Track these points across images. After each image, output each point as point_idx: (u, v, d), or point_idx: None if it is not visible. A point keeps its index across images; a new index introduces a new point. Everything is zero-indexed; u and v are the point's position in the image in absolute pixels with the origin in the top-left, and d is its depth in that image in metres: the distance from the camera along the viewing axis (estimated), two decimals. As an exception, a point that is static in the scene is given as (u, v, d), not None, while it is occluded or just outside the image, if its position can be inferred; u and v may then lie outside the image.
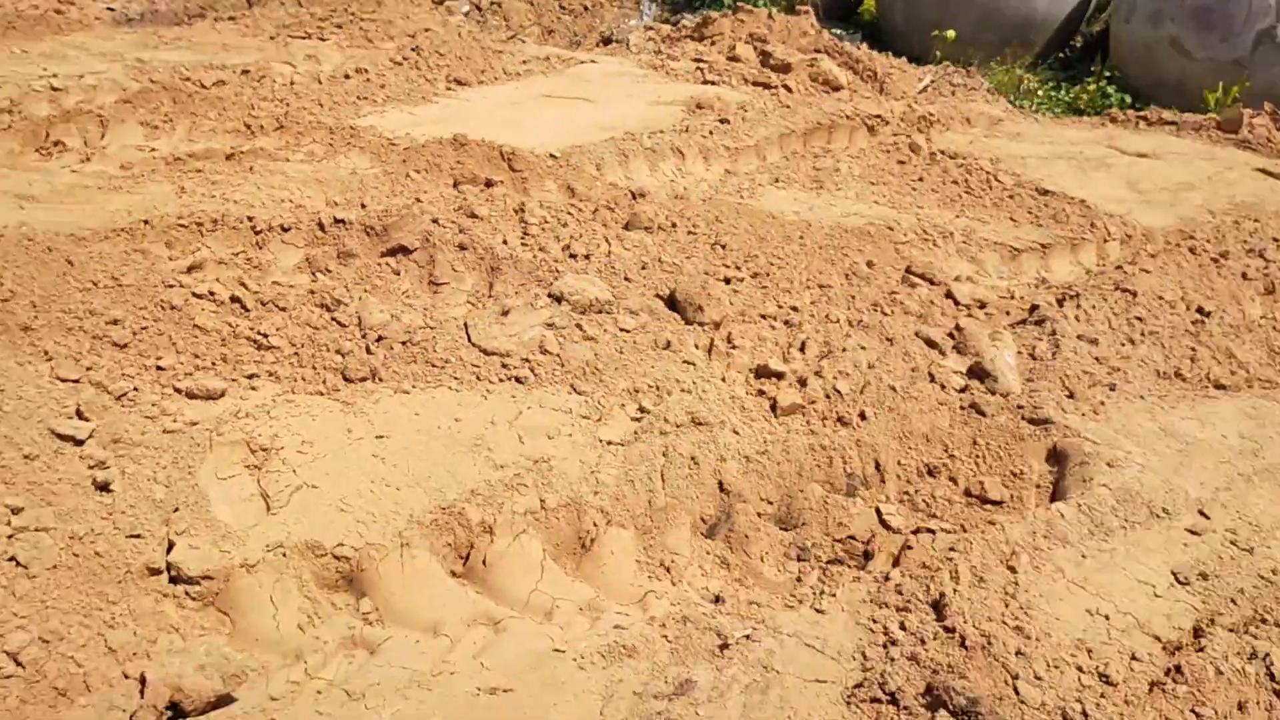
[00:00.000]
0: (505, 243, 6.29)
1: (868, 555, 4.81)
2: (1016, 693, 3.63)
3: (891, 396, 5.29)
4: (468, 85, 9.68)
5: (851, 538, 4.81)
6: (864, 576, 4.42)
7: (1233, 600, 4.27)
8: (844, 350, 5.52)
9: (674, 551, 4.59)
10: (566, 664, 3.68)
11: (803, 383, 5.31)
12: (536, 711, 3.46)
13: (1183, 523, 4.74)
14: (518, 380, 5.17)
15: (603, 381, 5.21)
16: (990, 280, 7.53)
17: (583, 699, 3.52)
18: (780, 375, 5.32)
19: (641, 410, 5.01)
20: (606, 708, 3.49)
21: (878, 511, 4.90)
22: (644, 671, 3.66)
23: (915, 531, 4.86)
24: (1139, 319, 6.64)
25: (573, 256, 6.22)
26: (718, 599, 4.45)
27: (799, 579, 4.73)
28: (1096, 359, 6.08)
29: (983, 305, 6.88)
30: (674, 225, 6.82)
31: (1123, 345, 6.32)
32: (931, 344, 5.90)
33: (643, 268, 6.22)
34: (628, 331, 5.57)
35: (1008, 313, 6.90)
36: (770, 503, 4.90)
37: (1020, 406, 5.33)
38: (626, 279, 6.07)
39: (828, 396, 5.25)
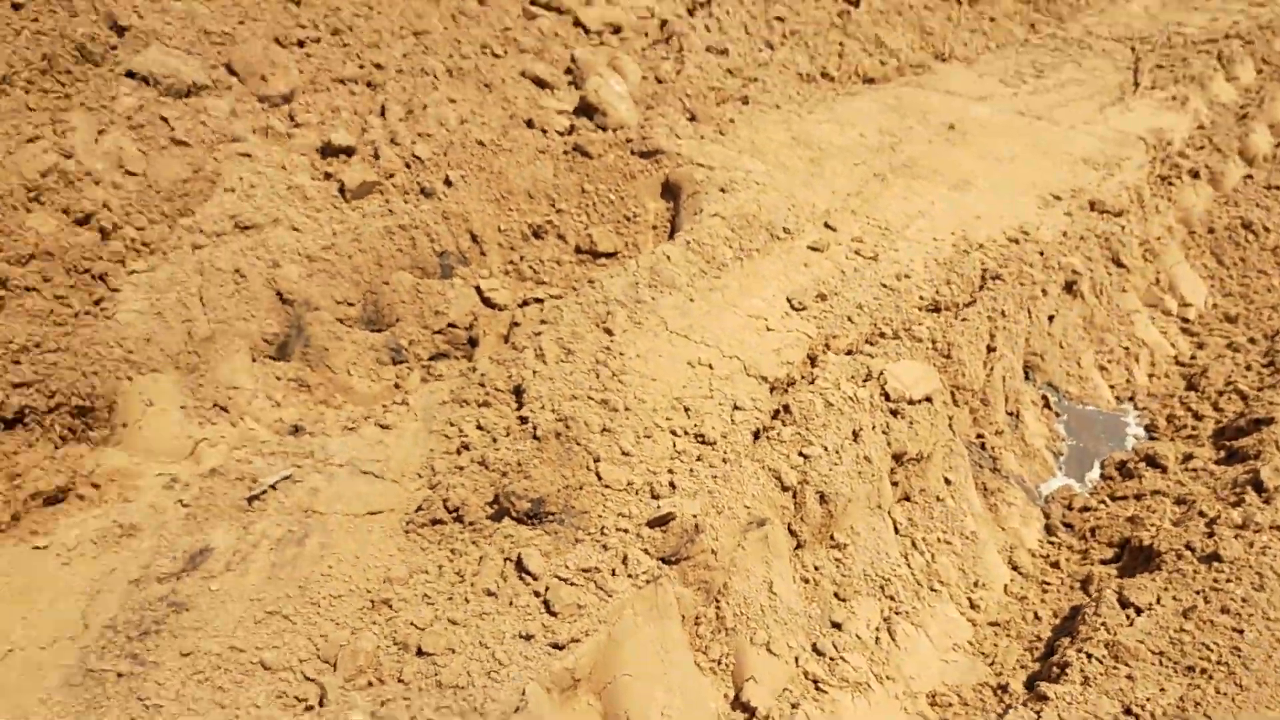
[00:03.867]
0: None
1: (473, 342, 4.20)
2: (599, 477, 3.14)
3: (482, 154, 4.54)
4: None
5: (452, 326, 4.17)
6: (448, 372, 3.82)
7: (850, 319, 3.88)
8: (425, 107, 4.68)
9: (231, 385, 3.83)
10: (47, 564, 2.93)
11: (377, 155, 4.48)
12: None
13: (805, 240, 4.30)
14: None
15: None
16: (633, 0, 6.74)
17: (61, 602, 2.81)
18: (350, 150, 4.46)
19: (170, 226, 4.10)
20: (90, 607, 2.80)
21: (478, 290, 4.25)
22: (146, 551, 2.96)
23: (522, 304, 4.26)
24: (779, 19, 6.03)
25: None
26: (297, 429, 3.77)
27: (397, 384, 4.10)
28: (729, 71, 5.48)
29: (617, 30, 6.11)
30: (236, -15, 5.64)
31: (760, 51, 5.73)
32: (541, 83, 5.13)
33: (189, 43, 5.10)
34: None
35: (646, 34, 6.17)
36: (351, 304, 4.16)
37: (630, 140, 4.68)
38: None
39: (408, 166, 4.45)
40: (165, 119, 4.12)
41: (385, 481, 3.26)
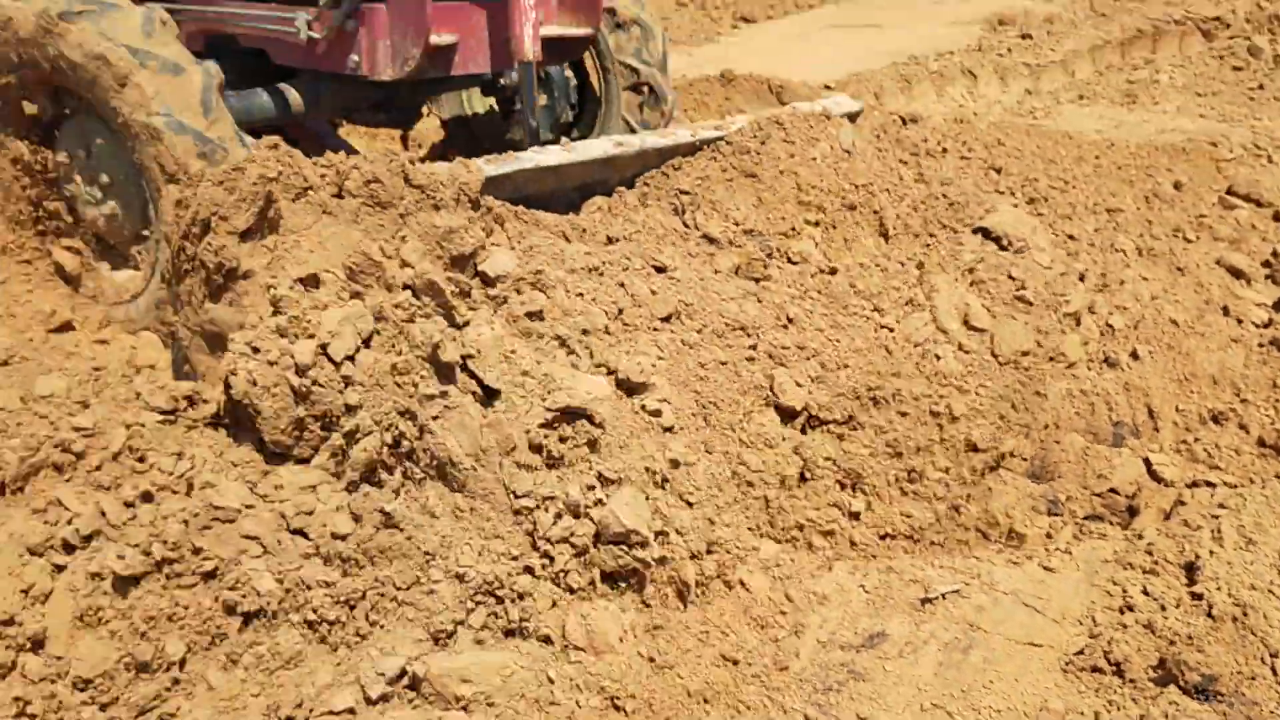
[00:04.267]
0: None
1: (1131, 511, 4.28)
2: (1274, 672, 3.09)
3: (1173, 333, 4.64)
4: (753, 21, 9.50)
5: (1113, 491, 4.29)
6: (1111, 534, 3.94)
7: None
8: (1121, 283, 4.89)
9: (904, 498, 4.31)
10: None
11: (1077, 321, 4.75)
12: (715, 653, 3.39)
13: None
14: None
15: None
16: (1344, 199, 6.42)
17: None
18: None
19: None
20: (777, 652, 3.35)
21: (1146, 462, 4.34)
22: (833, 620, 3.48)
23: (1191, 485, 4.26)
24: None
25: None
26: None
27: (1049, 534, 4.30)
28: None
29: (1323, 228, 5.88)
30: (945, 151, 6.34)
31: None
32: (1236, 273, 5.12)
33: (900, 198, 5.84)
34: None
35: (1361, 235, 5.85)
36: (1024, 459, 4.46)
37: (1341, 344, 4.50)
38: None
39: (1101, 334, 4.68)
40: (1012, 276, 4.51)
41: (1045, 618, 3.48)
